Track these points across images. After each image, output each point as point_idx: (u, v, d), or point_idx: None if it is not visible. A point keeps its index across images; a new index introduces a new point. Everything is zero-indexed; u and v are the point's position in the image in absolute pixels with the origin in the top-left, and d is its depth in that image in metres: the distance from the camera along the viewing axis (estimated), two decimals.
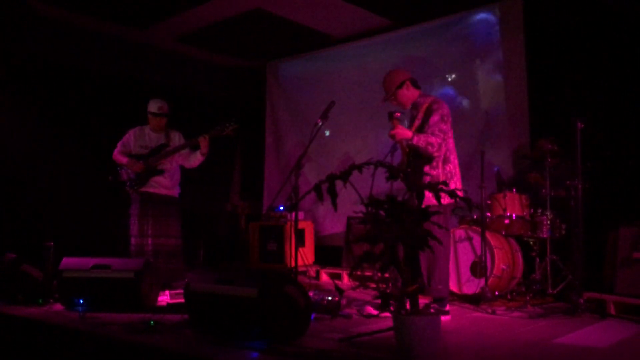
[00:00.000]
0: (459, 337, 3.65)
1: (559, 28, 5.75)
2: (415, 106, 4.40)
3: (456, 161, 4.35)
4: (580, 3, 5.57)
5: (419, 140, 4.15)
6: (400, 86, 4.39)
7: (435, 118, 4.21)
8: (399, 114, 4.24)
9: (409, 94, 4.41)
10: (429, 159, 4.23)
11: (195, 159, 5.53)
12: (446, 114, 4.24)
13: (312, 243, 7.38)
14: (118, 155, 5.54)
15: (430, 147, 4.15)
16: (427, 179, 4.13)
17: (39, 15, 6.70)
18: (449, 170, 4.25)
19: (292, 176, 4.74)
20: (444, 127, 4.20)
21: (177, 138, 5.62)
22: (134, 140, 5.57)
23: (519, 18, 6.10)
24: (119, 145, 5.58)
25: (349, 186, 3.28)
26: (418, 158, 4.24)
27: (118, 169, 5.55)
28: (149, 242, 5.37)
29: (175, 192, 5.63)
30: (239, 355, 3.13)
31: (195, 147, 5.48)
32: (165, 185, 5.53)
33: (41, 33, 6.80)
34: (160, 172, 5.48)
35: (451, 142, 4.31)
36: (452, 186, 4.11)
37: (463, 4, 6.49)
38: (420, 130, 4.26)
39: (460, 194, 3.13)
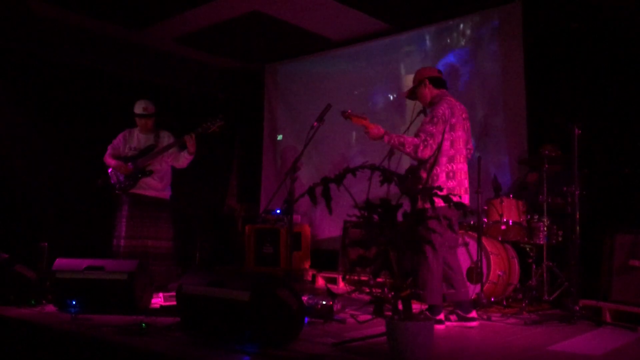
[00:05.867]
0: (453, 343, 3.62)
1: (558, 34, 5.75)
2: (431, 105, 4.36)
3: (453, 165, 4.16)
4: (578, 10, 5.56)
5: (391, 140, 4.13)
6: (419, 84, 4.37)
7: (426, 119, 4.18)
8: (349, 111, 4.29)
9: (425, 92, 4.36)
10: (415, 159, 4.19)
11: (184, 159, 5.52)
12: (439, 115, 4.11)
13: (308, 247, 7.36)
14: (108, 158, 5.54)
15: (402, 148, 4.10)
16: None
17: (36, 15, 6.69)
18: (434, 173, 4.13)
19: (287, 179, 4.72)
20: (431, 128, 4.08)
21: (166, 138, 5.60)
22: (124, 142, 5.58)
23: (517, 24, 6.10)
24: (109, 148, 5.58)
25: (347, 190, 3.25)
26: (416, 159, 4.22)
27: (109, 171, 5.55)
28: (138, 244, 5.34)
29: (167, 194, 5.61)
30: (229, 359, 3.11)
31: (182, 147, 5.46)
32: (155, 187, 5.51)
33: (38, 32, 6.79)
34: (149, 173, 5.46)
35: (446, 144, 4.13)
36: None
37: (462, 9, 6.49)
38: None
39: (454, 198, 3.10)
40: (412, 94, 4.46)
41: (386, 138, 4.14)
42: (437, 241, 4.03)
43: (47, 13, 6.70)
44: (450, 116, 4.15)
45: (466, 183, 4.23)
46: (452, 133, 4.16)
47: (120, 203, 5.52)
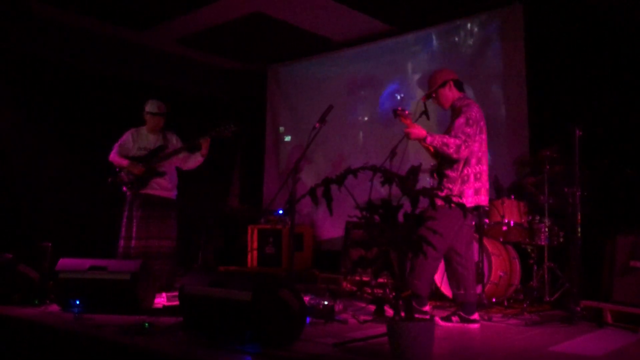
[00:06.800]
0: (454, 344, 3.63)
1: (559, 35, 5.75)
2: (453, 108, 4.37)
3: (480, 166, 4.23)
4: (579, 12, 5.57)
5: (434, 140, 4.13)
6: (442, 85, 4.36)
7: (460, 120, 4.17)
8: (406, 111, 4.27)
9: (449, 94, 4.37)
10: (451, 160, 4.19)
11: (195, 161, 5.54)
12: (473, 117, 4.17)
13: (310, 247, 7.37)
14: (116, 157, 5.48)
15: (445, 148, 4.10)
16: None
17: (38, 16, 6.71)
18: (465, 174, 4.18)
19: (289, 179, 4.72)
20: (468, 130, 4.12)
21: (174, 139, 5.62)
22: (133, 142, 5.54)
23: (519, 26, 6.10)
24: (115, 146, 5.53)
25: (348, 191, 3.25)
26: (443, 158, 4.24)
27: (117, 170, 5.52)
28: (148, 244, 5.35)
29: (174, 194, 5.62)
30: (231, 359, 3.12)
31: (195, 149, 5.48)
32: (165, 187, 5.52)
33: (41, 34, 6.82)
34: (162, 174, 5.46)
35: (476, 146, 4.19)
36: (464, 188, 4.15)
37: (463, 11, 6.50)
38: (448, 132, 4.24)
39: (455, 199, 3.11)
40: (430, 95, 4.46)
41: (429, 139, 4.15)
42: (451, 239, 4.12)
43: (49, 14, 6.72)
44: (480, 118, 4.23)
45: (487, 184, 4.31)
46: (481, 135, 4.24)
47: (130, 203, 5.47)
